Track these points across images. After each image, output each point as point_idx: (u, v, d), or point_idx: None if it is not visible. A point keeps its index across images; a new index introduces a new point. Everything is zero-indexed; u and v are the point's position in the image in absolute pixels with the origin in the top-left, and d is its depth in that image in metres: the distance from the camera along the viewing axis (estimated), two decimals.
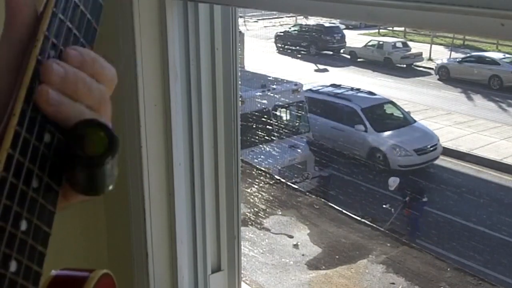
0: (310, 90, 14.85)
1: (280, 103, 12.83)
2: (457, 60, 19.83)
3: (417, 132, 13.52)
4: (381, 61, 21.19)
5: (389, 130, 13.40)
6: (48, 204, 0.51)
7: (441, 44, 23.84)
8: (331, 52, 22.85)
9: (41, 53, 0.52)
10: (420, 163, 12.73)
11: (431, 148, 12.99)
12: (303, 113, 13.36)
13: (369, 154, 13.08)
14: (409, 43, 22.65)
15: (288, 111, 13.25)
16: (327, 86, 15.12)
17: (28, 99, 0.50)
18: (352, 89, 14.82)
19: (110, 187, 0.56)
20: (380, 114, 14.18)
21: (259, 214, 8.81)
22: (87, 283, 0.59)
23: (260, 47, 22.90)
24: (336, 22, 23.19)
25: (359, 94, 14.52)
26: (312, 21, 24.10)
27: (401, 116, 14.21)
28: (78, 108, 0.54)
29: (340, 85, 15.24)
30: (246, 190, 9.14)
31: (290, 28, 24.66)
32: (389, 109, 14.47)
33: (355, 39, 23.86)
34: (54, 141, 0.53)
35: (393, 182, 10.87)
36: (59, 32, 0.54)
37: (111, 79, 0.57)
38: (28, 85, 0.50)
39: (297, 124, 13.36)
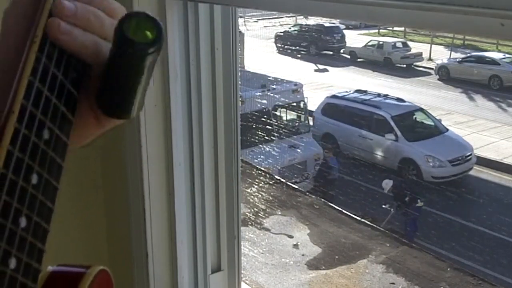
0: (334, 96, 14.48)
1: (280, 103, 12.83)
2: (457, 60, 19.84)
3: (450, 141, 12.85)
4: (381, 61, 21.19)
5: (421, 140, 12.68)
6: (47, 200, 0.51)
7: (441, 44, 23.84)
8: (331, 52, 22.86)
9: (40, 50, 0.52)
10: (455, 174, 12.11)
11: (466, 158, 12.41)
12: (303, 113, 13.36)
13: (400, 165, 12.41)
14: (409, 43, 22.66)
15: (288, 111, 13.24)
16: (352, 92, 14.50)
17: (27, 96, 0.50)
18: (379, 95, 14.13)
19: (135, 110, 0.57)
20: (411, 122, 13.46)
21: (259, 214, 8.81)
22: (84, 279, 0.59)
23: (260, 47, 22.91)
24: (336, 22, 23.19)
25: (388, 101, 13.79)
26: (312, 21, 24.11)
27: (432, 124, 13.58)
28: (91, 37, 0.55)
29: (366, 91, 14.59)
30: (246, 190, 9.13)
31: (290, 28, 24.67)
32: (419, 117, 13.82)
33: (355, 39, 23.87)
34: (53, 138, 0.53)
35: (386, 184, 10.76)
36: None
37: (122, 13, 0.59)
38: (27, 83, 0.50)
39: (297, 124, 13.35)
